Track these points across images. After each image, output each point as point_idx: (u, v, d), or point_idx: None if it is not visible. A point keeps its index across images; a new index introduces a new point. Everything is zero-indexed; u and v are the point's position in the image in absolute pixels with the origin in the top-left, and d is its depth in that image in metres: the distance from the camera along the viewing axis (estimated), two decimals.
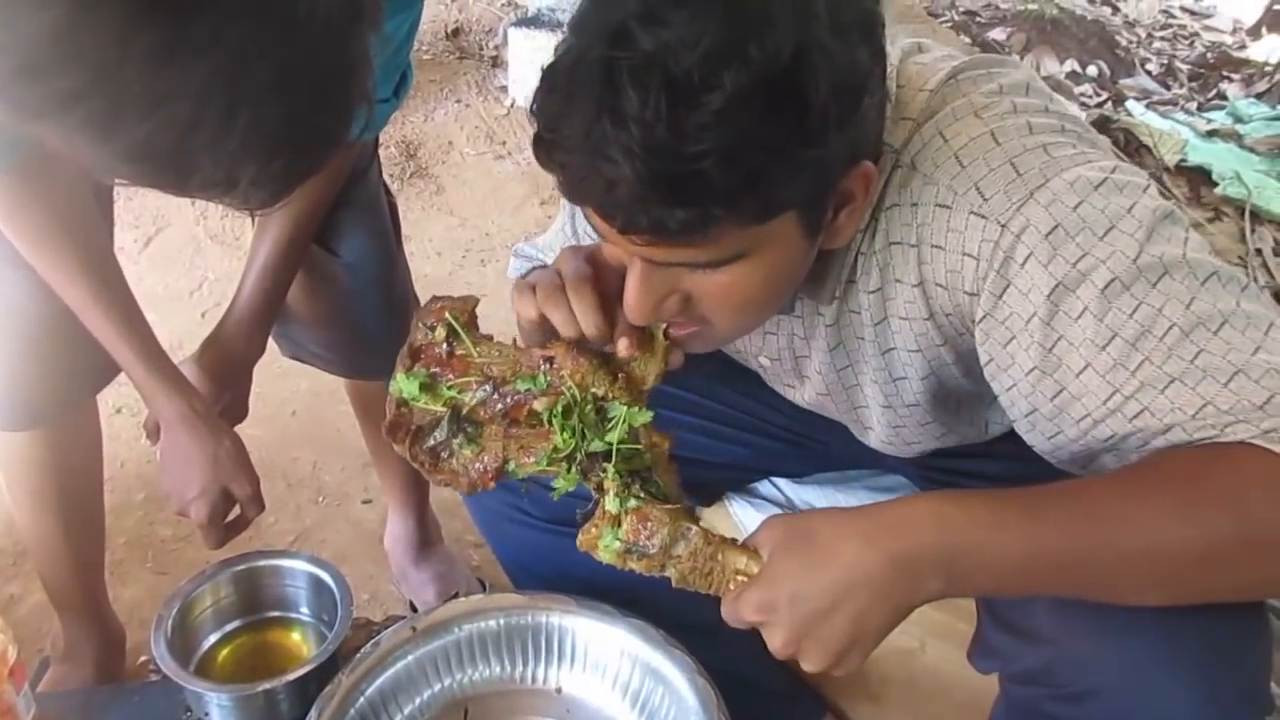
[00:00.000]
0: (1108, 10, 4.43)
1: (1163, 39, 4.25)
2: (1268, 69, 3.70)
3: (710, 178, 0.69)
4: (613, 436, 0.83)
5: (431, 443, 0.85)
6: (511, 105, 3.12)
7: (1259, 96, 3.56)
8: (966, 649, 0.92)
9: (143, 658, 1.44)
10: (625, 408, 0.84)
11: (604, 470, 0.83)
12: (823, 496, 1.25)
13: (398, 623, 1.07)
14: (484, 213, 2.63)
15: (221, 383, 1.19)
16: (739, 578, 0.80)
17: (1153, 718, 0.75)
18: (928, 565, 0.72)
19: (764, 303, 0.82)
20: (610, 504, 0.82)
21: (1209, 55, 3.94)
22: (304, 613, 1.14)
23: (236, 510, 1.14)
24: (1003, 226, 0.76)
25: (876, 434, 1.02)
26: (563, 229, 1.10)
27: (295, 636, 1.13)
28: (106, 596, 1.38)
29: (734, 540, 0.83)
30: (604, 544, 0.82)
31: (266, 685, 1.01)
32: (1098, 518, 0.71)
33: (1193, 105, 3.59)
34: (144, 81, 0.55)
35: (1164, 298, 0.72)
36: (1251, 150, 3.19)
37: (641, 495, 0.83)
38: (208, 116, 0.57)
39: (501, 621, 1.08)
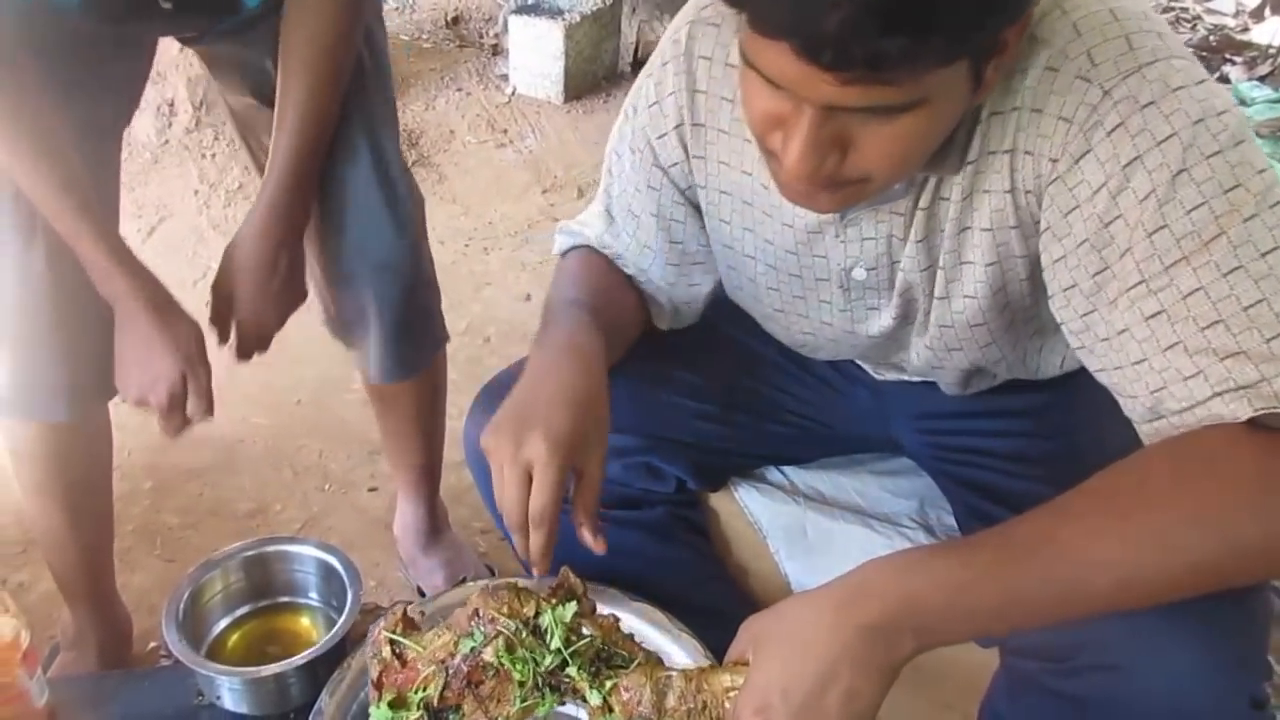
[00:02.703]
0: None
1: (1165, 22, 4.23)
2: (1271, 52, 3.68)
3: (936, 4, 0.65)
4: (558, 641, 0.86)
5: None
6: (512, 93, 3.12)
7: (1262, 79, 3.55)
8: None
9: (153, 644, 1.45)
10: (552, 613, 0.88)
11: (568, 676, 0.87)
12: (829, 481, 1.26)
13: (408, 604, 1.07)
14: (486, 201, 2.63)
15: (266, 262, 1.14)
16: (731, 694, 0.82)
17: (1152, 686, 0.76)
18: (895, 629, 0.74)
19: (920, 156, 0.80)
20: (593, 699, 0.86)
21: (1211, 38, 3.92)
22: (313, 598, 1.14)
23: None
24: (1105, 92, 0.76)
25: (918, 344, 1.00)
26: (604, 212, 1.08)
27: (305, 621, 1.14)
28: (114, 584, 1.39)
29: (712, 664, 0.87)
30: None
31: (277, 668, 1.02)
32: (1070, 561, 0.71)
33: None
34: None
35: (1226, 205, 0.73)
36: (1255, 133, 3.18)
37: (612, 674, 0.87)
38: None
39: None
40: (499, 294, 2.30)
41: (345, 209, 1.22)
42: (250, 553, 1.12)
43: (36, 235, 1.09)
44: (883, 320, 0.98)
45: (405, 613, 0.91)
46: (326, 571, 1.12)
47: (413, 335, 1.32)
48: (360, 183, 1.21)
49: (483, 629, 0.88)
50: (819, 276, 0.98)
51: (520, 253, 2.45)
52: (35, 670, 1.00)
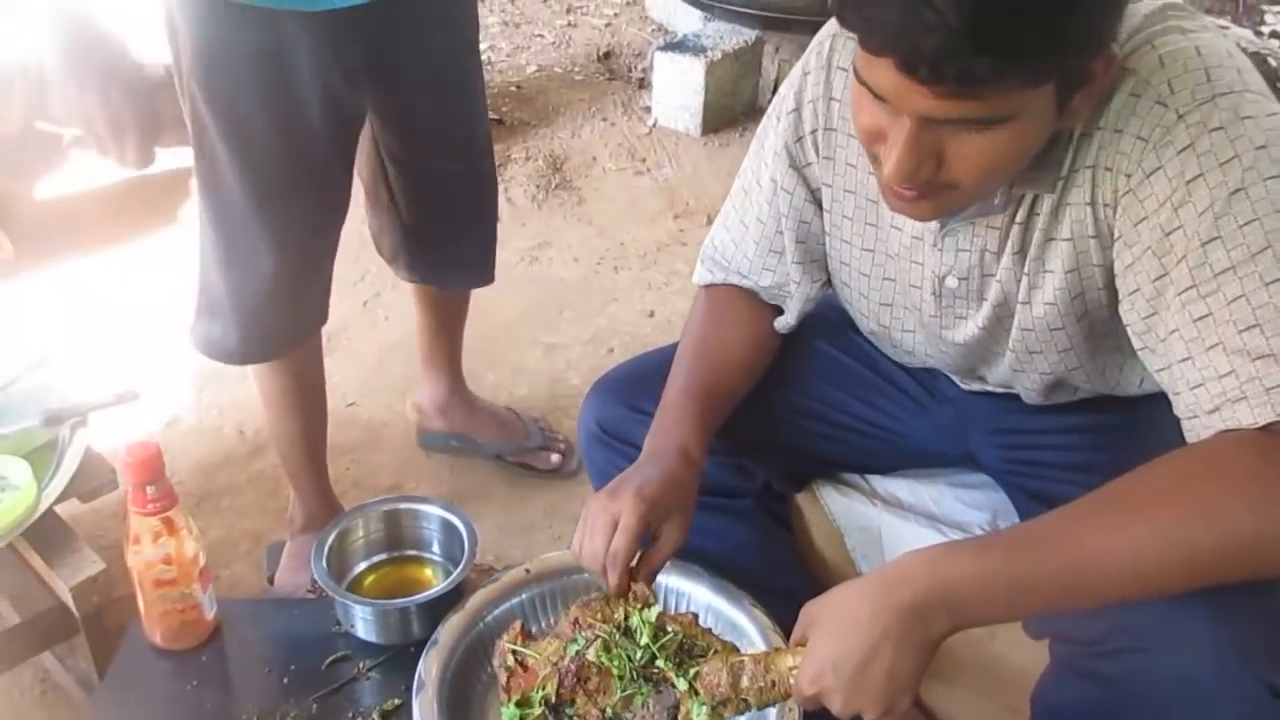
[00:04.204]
0: (1276, 44, 4.28)
1: None
2: None
3: (1026, 30, 0.73)
4: (646, 639, 1.00)
5: None
6: (654, 125, 3.29)
7: None
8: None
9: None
10: (639, 615, 1.01)
11: (658, 667, 1.00)
12: (906, 489, 1.34)
13: (516, 566, 1.22)
14: (620, 224, 2.79)
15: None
16: (794, 672, 0.93)
17: (1177, 668, 0.83)
18: (930, 611, 0.84)
19: (1008, 169, 0.88)
20: (680, 685, 0.99)
21: None
22: (435, 553, 1.30)
23: None
24: (1180, 116, 0.85)
25: (1002, 349, 1.08)
26: (761, 240, 1.19)
27: (427, 572, 1.30)
28: (329, 478, 1.68)
29: (778, 648, 1.00)
30: (695, 715, 0.98)
31: (403, 603, 1.18)
32: (1077, 548, 0.81)
33: None
34: None
35: (1277, 223, 0.81)
36: None
37: (694, 663, 0.99)
38: None
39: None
40: (624, 310, 2.46)
41: (446, 142, 1.53)
42: (387, 507, 1.29)
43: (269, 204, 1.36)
44: (969, 328, 1.07)
45: (522, 626, 1.07)
46: (448, 529, 1.28)
47: (493, 246, 1.71)
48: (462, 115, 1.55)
49: (584, 634, 1.02)
50: (913, 283, 1.07)
51: (647, 273, 2.60)
52: (208, 586, 1.20)
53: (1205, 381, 0.83)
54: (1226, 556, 0.77)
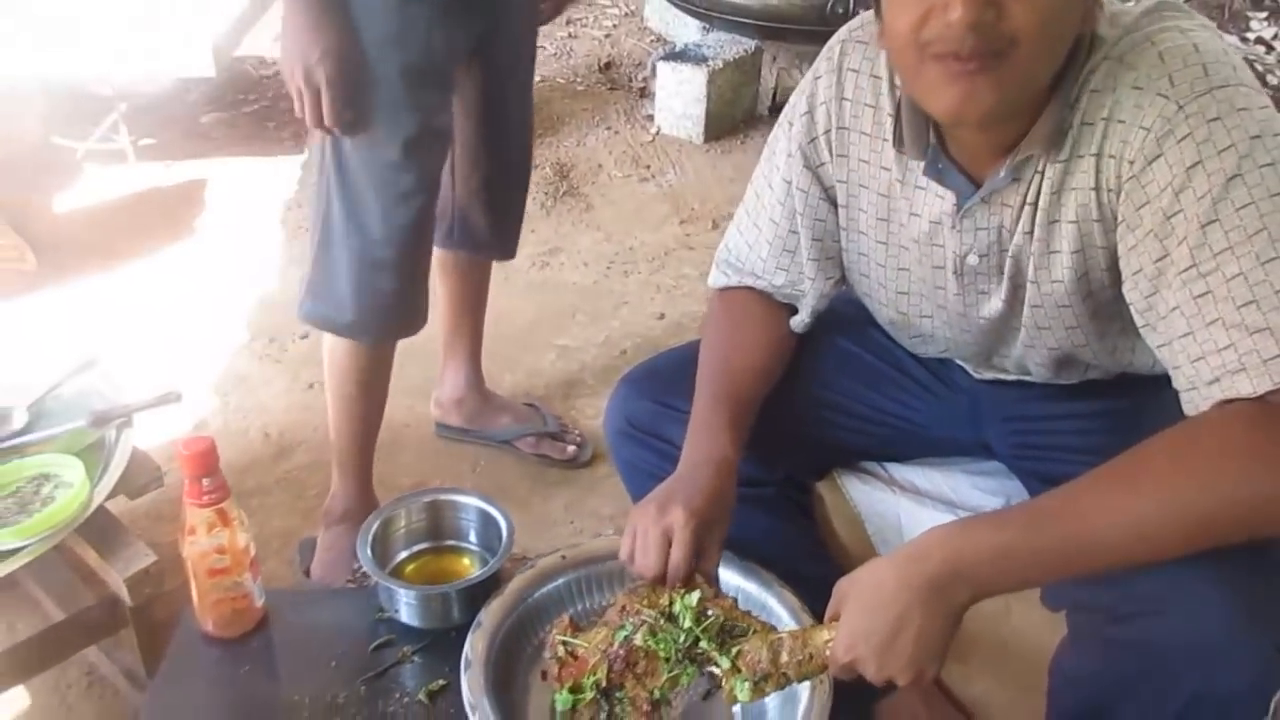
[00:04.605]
0: (1261, 49, 4.37)
1: None
2: None
3: None
4: (689, 622, 1.06)
5: None
6: (657, 133, 3.36)
7: None
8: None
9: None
10: (682, 600, 1.07)
11: (702, 649, 1.06)
12: (923, 476, 1.39)
13: (552, 552, 1.28)
14: (628, 229, 2.86)
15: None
16: (829, 645, 0.99)
17: (1191, 629, 0.88)
18: (952, 581, 0.91)
19: (1055, 39, 0.92)
20: (723, 664, 1.04)
21: None
22: (472, 542, 1.35)
23: None
24: (1179, 107, 0.91)
25: (1020, 333, 1.13)
26: (774, 240, 1.25)
27: (465, 561, 1.35)
28: (372, 473, 1.76)
29: (813, 624, 1.06)
30: (739, 692, 1.03)
31: (445, 588, 1.23)
32: (1085, 518, 0.87)
33: None
34: None
35: (1271, 207, 0.87)
36: None
37: (735, 643, 1.05)
38: None
39: None
40: (635, 313, 2.52)
41: (509, 120, 1.71)
42: (427, 498, 1.34)
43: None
44: (992, 304, 1.12)
45: (570, 619, 1.13)
46: (485, 520, 1.33)
47: (521, 224, 1.88)
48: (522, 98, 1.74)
49: (631, 621, 1.08)
50: (936, 264, 1.13)
51: (656, 276, 2.66)
52: (257, 576, 1.25)
53: (1205, 355, 0.89)
54: (1224, 520, 0.83)
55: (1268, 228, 0.87)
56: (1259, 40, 4.52)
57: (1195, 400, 0.91)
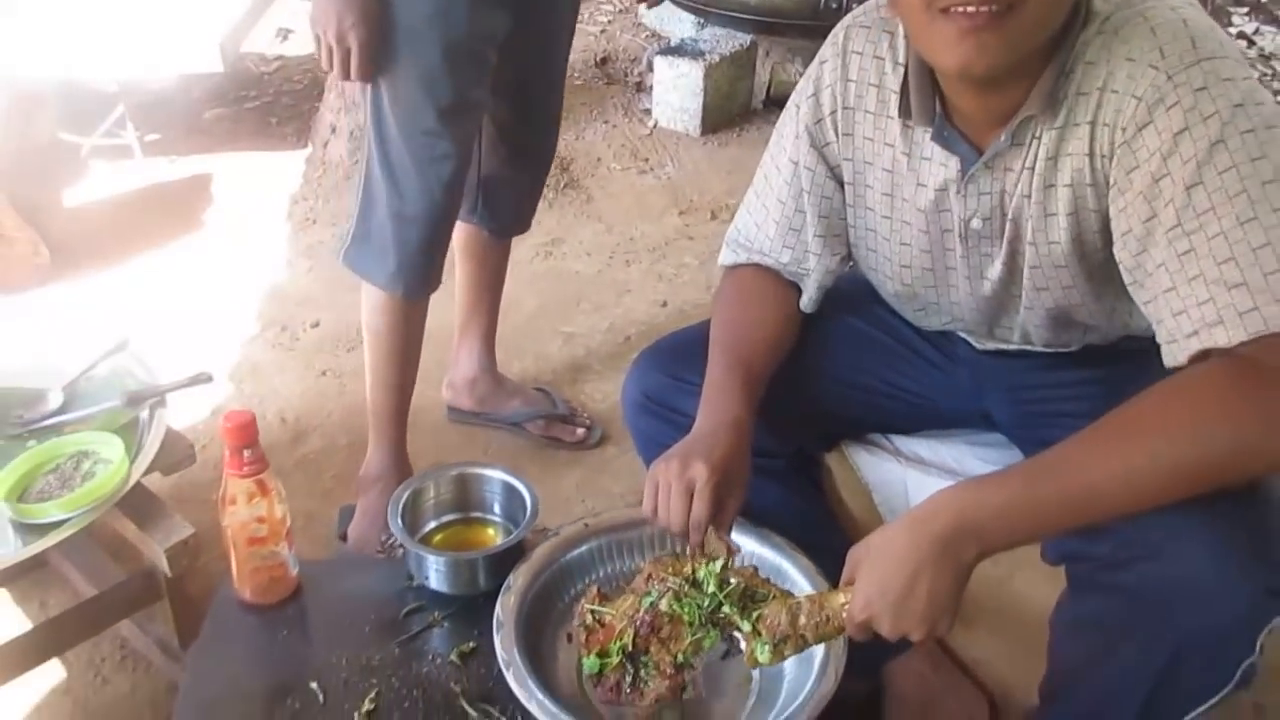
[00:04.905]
0: (1242, 43, 4.46)
1: None
2: None
3: None
4: (712, 588, 1.12)
5: (628, 683, 1.13)
6: (654, 126, 3.41)
7: None
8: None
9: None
10: (705, 568, 1.12)
11: (724, 614, 1.11)
12: (928, 448, 1.45)
13: (576, 521, 1.33)
14: (628, 220, 2.91)
15: None
16: (845, 608, 1.05)
17: (1184, 572, 0.95)
18: (960, 536, 0.96)
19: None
20: (745, 627, 1.10)
21: None
22: (496, 514, 1.41)
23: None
24: (1168, 77, 0.97)
25: (1021, 295, 1.18)
26: (780, 219, 1.30)
27: (489, 532, 1.40)
28: (406, 437, 1.84)
29: (830, 588, 1.10)
30: (760, 654, 1.08)
31: (475, 554, 1.28)
32: (1081, 473, 0.94)
33: None
34: None
35: (1252, 170, 0.93)
36: None
37: (756, 608, 1.10)
38: None
39: (653, 529, 1.32)
40: (638, 300, 2.57)
41: (541, 98, 1.82)
42: (454, 471, 1.39)
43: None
44: (995, 267, 1.18)
45: (598, 589, 1.18)
46: (509, 493, 1.38)
47: (538, 203, 1.98)
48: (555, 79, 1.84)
49: (656, 588, 1.13)
50: (944, 228, 1.19)
51: (657, 266, 2.72)
52: (293, 546, 1.30)
53: (1186, 309, 0.96)
54: (1206, 466, 0.90)
55: (1247, 190, 0.93)
56: (1240, 35, 4.61)
57: (1175, 352, 0.97)
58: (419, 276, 1.69)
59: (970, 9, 0.95)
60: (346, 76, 1.54)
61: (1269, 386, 0.89)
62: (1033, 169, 1.09)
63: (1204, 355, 0.95)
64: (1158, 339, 1.01)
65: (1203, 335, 0.94)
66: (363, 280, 1.72)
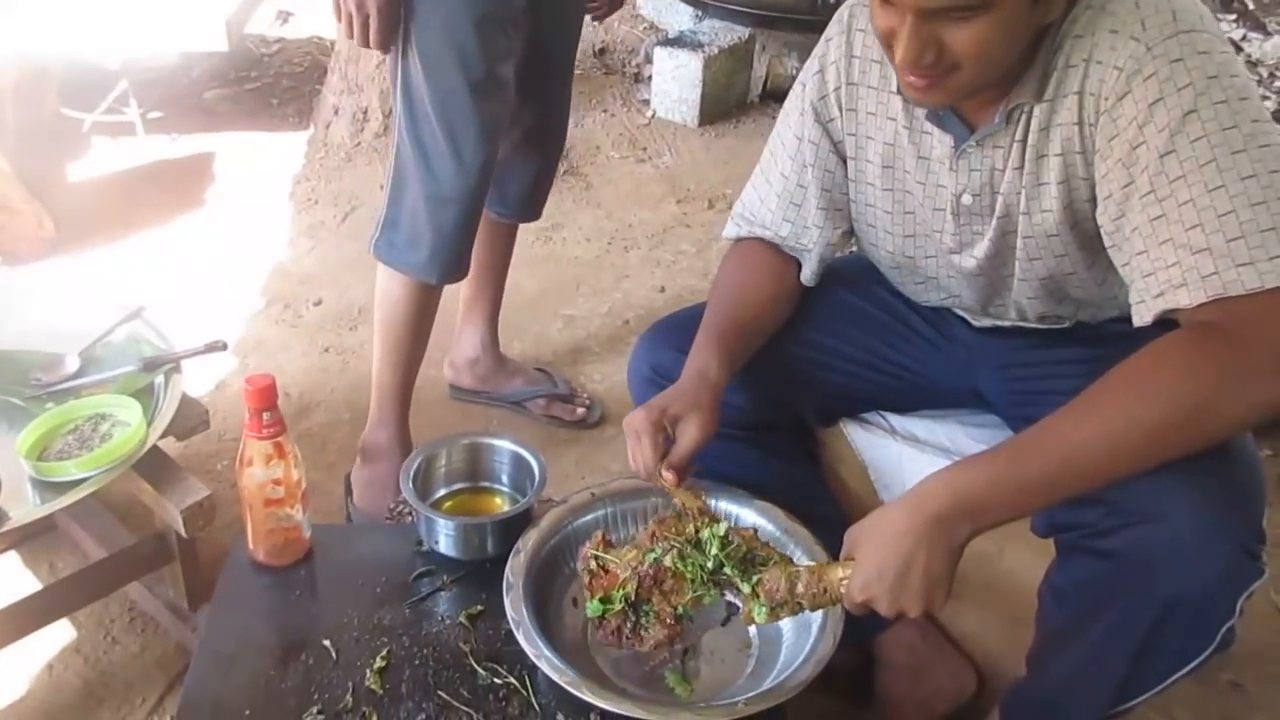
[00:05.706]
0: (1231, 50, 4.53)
1: None
2: None
3: None
4: (715, 550, 1.16)
5: (629, 628, 1.18)
6: (652, 116, 3.45)
7: None
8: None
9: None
10: (708, 530, 1.17)
11: (725, 574, 1.16)
12: (923, 427, 1.50)
13: (581, 490, 1.37)
14: (626, 207, 2.95)
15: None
16: (843, 582, 1.09)
17: (1168, 531, 0.99)
18: (953, 517, 1.01)
19: (998, 53, 1.03)
20: (744, 588, 1.14)
21: None
22: (504, 483, 1.45)
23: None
24: (1148, 48, 1.02)
25: (1013, 267, 1.22)
26: (783, 193, 1.36)
27: (497, 501, 1.44)
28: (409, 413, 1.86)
29: (830, 561, 1.15)
30: (756, 615, 1.13)
31: (484, 519, 1.33)
32: (1064, 442, 0.99)
33: None
34: None
35: (1222, 140, 0.98)
36: None
37: (756, 571, 1.15)
38: None
39: (657, 499, 1.37)
40: (636, 285, 2.61)
41: (552, 79, 1.83)
42: (465, 441, 1.43)
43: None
44: (983, 245, 1.23)
45: (604, 535, 1.23)
46: (517, 462, 1.42)
47: (549, 190, 2.01)
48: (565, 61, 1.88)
49: (661, 545, 1.18)
50: (936, 206, 1.24)
51: (655, 252, 2.76)
52: (307, 509, 1.33)
53: (1155, 271, 1.01)
54: (1176, 429, 0.95)
55: (1217, 159, 0.98)
56: (1228, 42, 4.68)
57: (1143, 312, 1.03)
58: (453, 260, 1.71)
59: (913, 76, 1.04)
60: (366, 44, 1.57)
61: (1228, 347, 0.94)
62: (1024, 141, 1.13)
63: (1170, 317, 1.00)
64: (1130, 300, 1.06)
65: (1168, 296, 0.99)
66: (392, 270, 1.73)
